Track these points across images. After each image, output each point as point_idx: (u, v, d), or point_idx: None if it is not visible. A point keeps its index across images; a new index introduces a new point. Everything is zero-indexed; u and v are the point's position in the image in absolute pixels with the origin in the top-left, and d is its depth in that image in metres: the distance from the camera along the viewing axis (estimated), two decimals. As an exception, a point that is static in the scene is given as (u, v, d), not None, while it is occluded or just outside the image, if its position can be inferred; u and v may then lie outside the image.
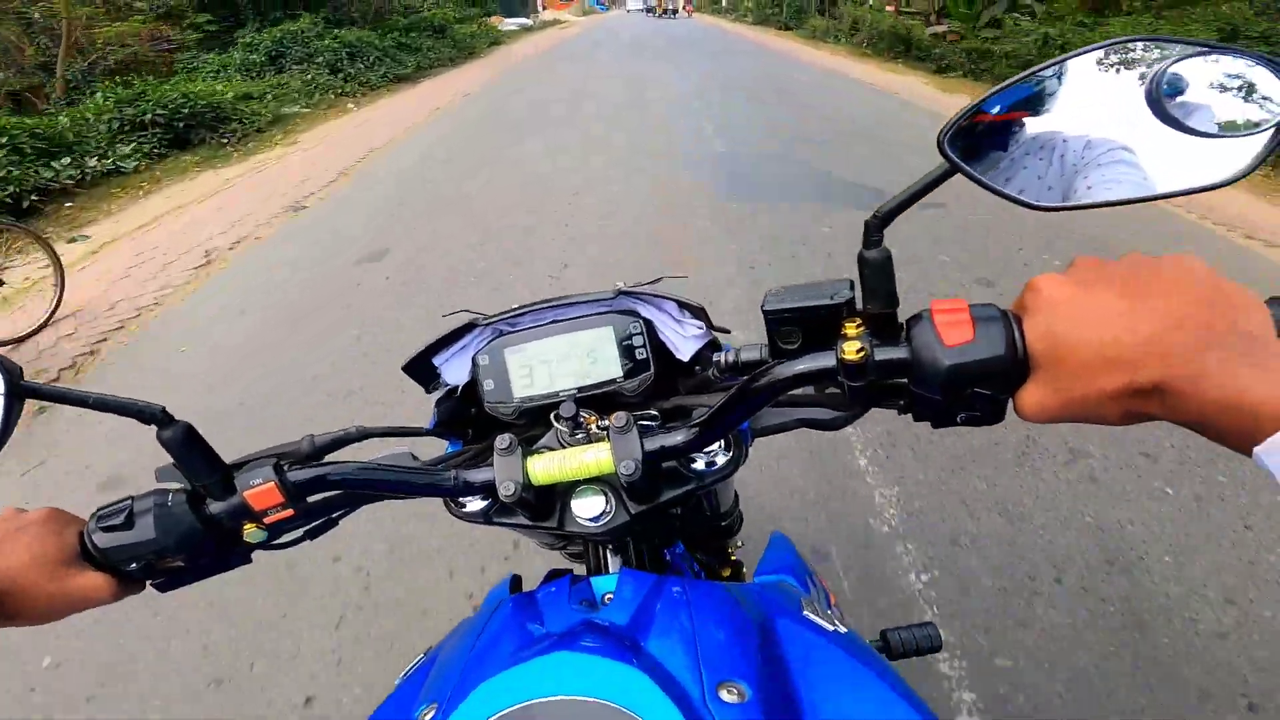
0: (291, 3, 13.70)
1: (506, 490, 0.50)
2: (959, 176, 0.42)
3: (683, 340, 0.63)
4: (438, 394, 0.68)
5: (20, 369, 0.44)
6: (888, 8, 14.74)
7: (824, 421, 0.54)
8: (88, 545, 0.48)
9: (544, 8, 42.49)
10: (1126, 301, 0.33)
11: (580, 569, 0.77)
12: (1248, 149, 0.39)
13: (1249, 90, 0.39)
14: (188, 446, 0.47)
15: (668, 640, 0.44)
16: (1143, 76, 0.40)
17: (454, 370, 0.67)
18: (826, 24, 17.33)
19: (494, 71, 13.73)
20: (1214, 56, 0.39)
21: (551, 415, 0.58)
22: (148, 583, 0.50)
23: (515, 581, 0.80)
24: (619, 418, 0.52)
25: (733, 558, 0.96)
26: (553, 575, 0.72)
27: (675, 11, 37.46)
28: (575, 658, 0.41)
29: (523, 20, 33.14)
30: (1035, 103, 0.42)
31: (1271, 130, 0.38)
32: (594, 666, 0.40)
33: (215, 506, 0.48)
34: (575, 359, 0.64)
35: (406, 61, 13.37)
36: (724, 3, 39.72)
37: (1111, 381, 0.33)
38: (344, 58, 11.75)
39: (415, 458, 0.59)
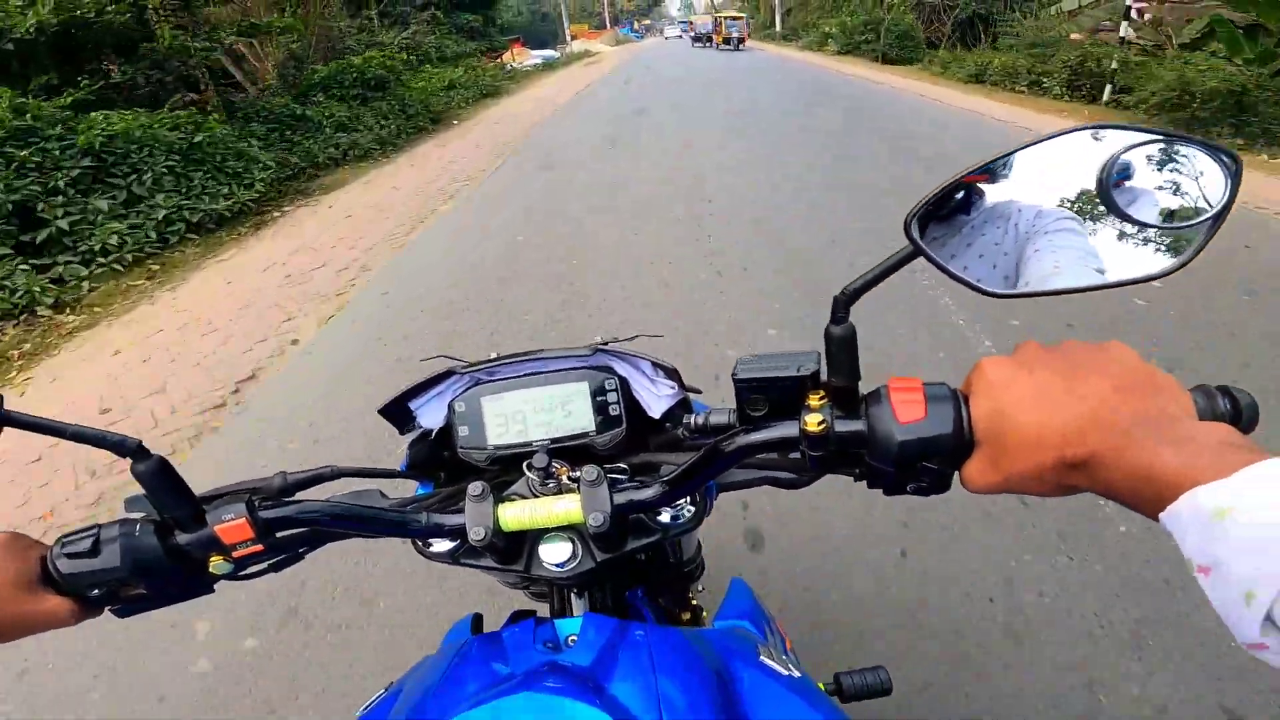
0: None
1: (477, 535, 0.53)
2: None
3: (655, 398, 0.66)
4: (411, 436, 0.71)
5: (0, 395, 0.45)
6: (1073, 36, 10.59)
7: (785, 481, 0.57)
8: (50, 570, 0.49)
9: (573, 38, 39.73)
10: (1062, 385, 0.37)
11: (542, 608, 0.79)
12: (1186, 238, 0.42)
13: (1194, 179, 0.41)
14: (161, 479, 0.49)
15: (629, 684, 0.46)
16: (1100, 164, 0.42)
17: (429, 414, 0.69)
18: (983, 59, 11.62)
19: (435, 171, 7.30)
20: (1167, 145, 0.41)
21: (524, 464, 0.60)
22: (107, 608, 0.51)
23: (477, 620, 0.82)
24: (590, 471, 0.55)
25: (693, 602, 0.98)
26: (517, 616, 0.74)
27: (741, 41, 27.48)
28: (540, 698, 0.43)
29: (548, 54, 29.73)
30: (998, 188, 0.44)
31: (1209, 221, 0.40)
32: (559, 707, 0.42)
33: (183, 538, 0.50)
34: (550, 411, 0.67)
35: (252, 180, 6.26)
36: (777, 28, 34.66)
37: (1046, 457, 0.36)
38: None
39: (384, 495, 0.62)
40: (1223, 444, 0.32)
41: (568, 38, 38.31)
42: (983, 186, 0.44)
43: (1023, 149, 0.42)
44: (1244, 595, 0.27)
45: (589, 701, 0.43)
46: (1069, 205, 0.43)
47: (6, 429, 0.45)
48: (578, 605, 0.61)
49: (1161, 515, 0.32)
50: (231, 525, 0.49)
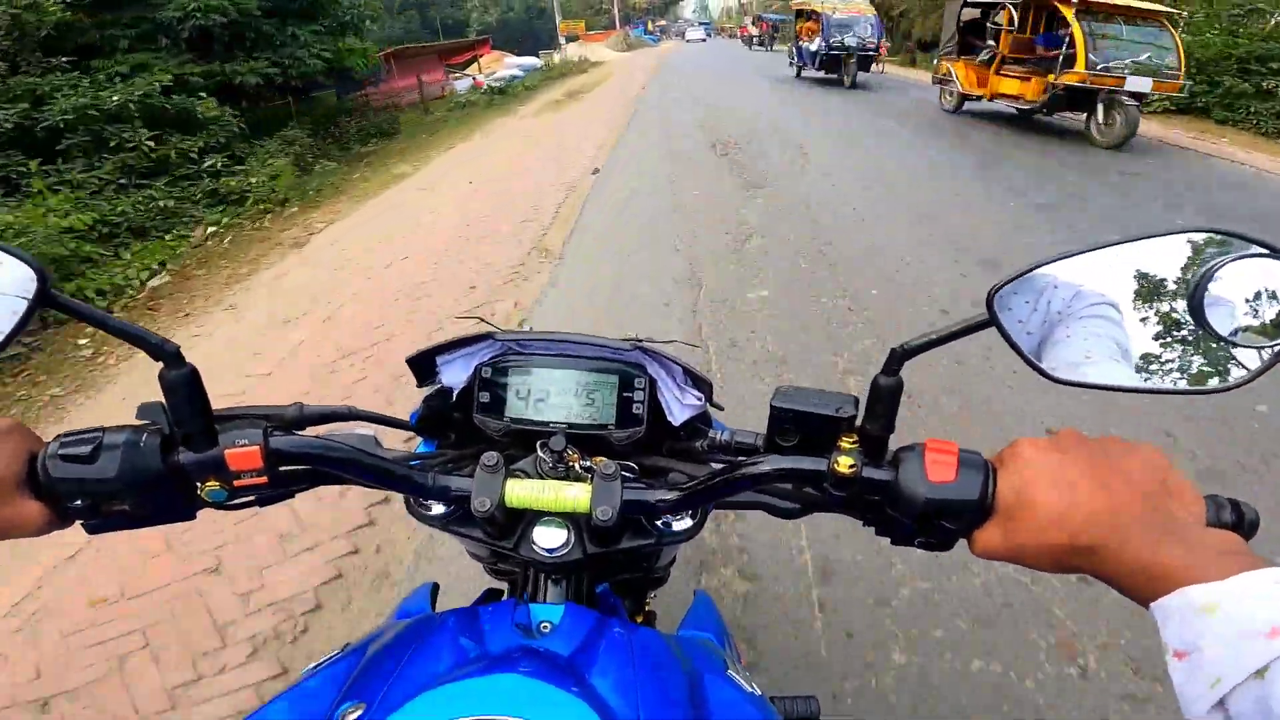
0: None
1: (481, 506, 0.54)
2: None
3: (679, 406, 0.69)
4: (428, 390, 0.71)
5: (51, 275, 0.45)
6: None
7: (781, 509, 0.60)
8: (36, 470, 0.46)
9: (567, 40, 31.78)
10: (1090, 477, 0.41)
11: (501, 585, 0.80)
12: (1249, 360, 0.42)
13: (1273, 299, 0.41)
14: (186, 390, 0.48)
15: (608, 679, 0.47)
16: (1196, 267, 0.42)
17: (452, 373, 0.70)
18: None
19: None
20: (1274, 261, 0.40)
21: (538, 443, 0.62)
22: (78, 521, 0.50)
23: (434, 590, 0.82)
24: (607, 465, 0.57)
25: (647, 607, 1.01)
26: (489, 596, 0.75)
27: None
28: (522, 680, 0.44)
29: (528, 62, 23.55)
30: (1087, 275, 0.45)
31: (1276, 349, 0.41)
32: (540, 692, 0.43)
33: (187, 457, 0.49)
34: (573, 396, 0.69)
35: None
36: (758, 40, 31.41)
37: (1058, 539, 0.41)
38: None
39: (379, 443, 0.63)
40: (1224, 551, 0.37)
41: (561, 40, 31.03)
42: (1072, 271, 0.45)
43: (1133, 240, 0.44)
44: (1211, 680, 0.32)
45: (569, 690, 0.43)
46: (1151, 302, 0.44)
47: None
48: (553, 593, 0.61)
49: (1152, 604, 0.37)
50: (242, 451, 0.48)
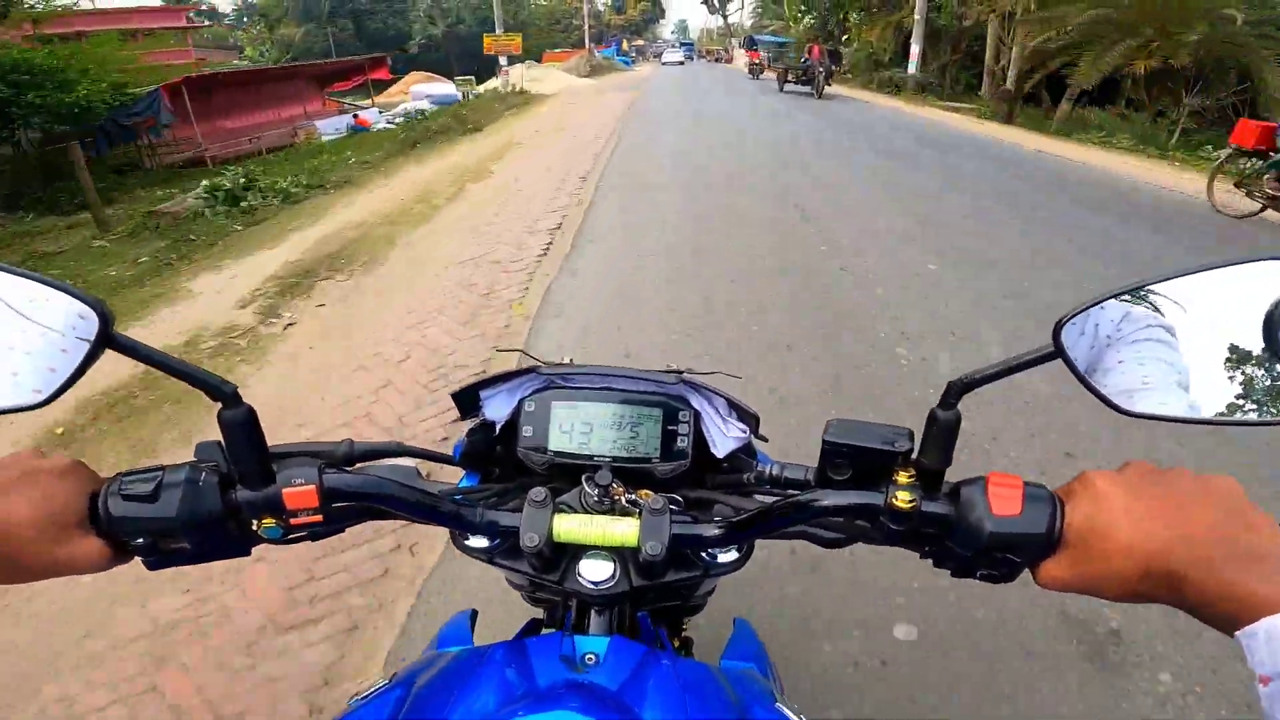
0: None
1: (530, 541, 0.55)
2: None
3: (723, 438, 0.70)
4: (471, 424, 0.73)
5: (113, 316, 0.45)
6: None
7: (826, 539, 0.61)
8: (97, 509, 0.48)
9: (506, 63, 20.82)
10: (1163, 507, 0.42)
11: (538, 612, 0.81)
12: None
13: None
14: (243, 430, 0.49)
15: (658, 713, 0.47)
16: (1270, 295, 0.41)
17: (496, 407, 0.72)
18: None
19: None
20: None
21: (584, 477, 0.64)
22: (139, 557, 0.51)
23: (473, 617, 0.83)
24: (655, 500, 0.59)
25: (684, 633, 1.01)
26: (531, 627, 0.76)
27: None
28: (574, 718, 0.44)
29: (443, 92, 17.70)
30: (1159, 305, 0.45)
31: None
32: None
33: (245, 495, 0.50)
34: (618, 429, 0.70)
35: None
36: (911, 69, 18.60)
37: (1130, 568, 0.42)
38: None
39: (420, 474, 0.64)
40: None
41: (502, 62, 20.58)
42: (1130, 312, 0.46)
43: (1205, 269, 0.44)
44: None
45: None
46: (1219, 332, 0.43)
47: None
48: (597, 623, 0.62)
49: (1238, 633, 0.37)
50: (299, 490, 0.50)
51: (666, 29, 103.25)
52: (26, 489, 0.45)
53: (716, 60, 52.78)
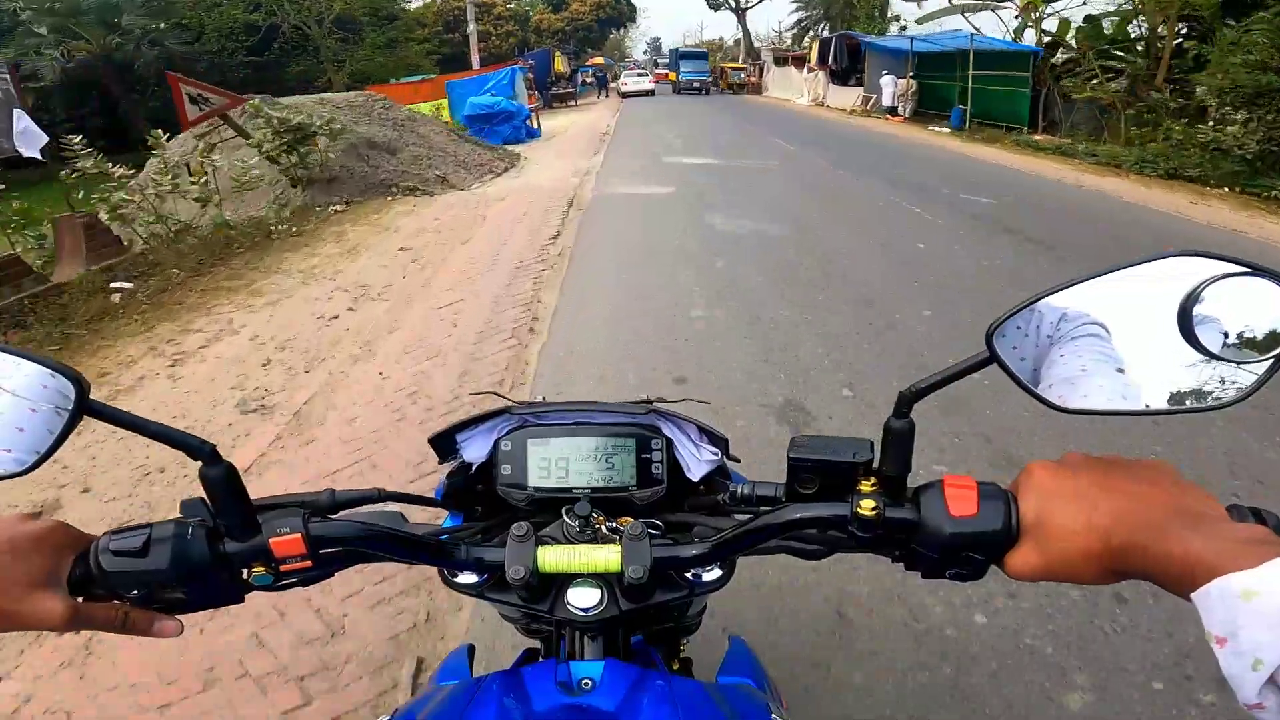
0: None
1: (516, 574, 0.57)
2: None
3: (696, 462, 0.73)
4: (450, 466, 0.75)
5: (89, 385, 0.48)
6: None
7: (807, 552, 0.64)
8: (91, 565, 0.50)
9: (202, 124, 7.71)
10: (1105, 484, 0.45)
11: (533, 643, 0.82)
12: (1243, 376, 0.44)
13: (1265, 315, 0.42)
14: (225, 486, 0.52)
15: None
16: (1180, 291, 0.43)
17: (474, 448, 0.74)
18: None
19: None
20: (1255, 279, 0.42)
21: (564, 509, 0.66)
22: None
23: (471, 651, 0.84)
24: (634, 526, 0.61)
25: (682, 654, 1.03)
26: (528, 656, 0.77)
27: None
28: None
29: None
30: (1081, 306, 0.48)
31: (1271, 360, 0.43)
32: None
33: (233, 546, 0.53)
34: (594, 461, 0.73)
35: None
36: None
37: (1091, 543, 0.44)
38: None
39: (404, 518, 0.66)
40: (1255, 540, 0.39)
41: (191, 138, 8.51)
42: (1066, 303, 0.48)
43: (1116, 270, 0.46)
44: (1253, 662, 0.34)
45: None
46: (1142, 327, 0.46)
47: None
48: (590, 649, 0.64)
49: (1193, 595, 0.38)
50: (286, 539, 0.53)
51: (638, 46, 77.33)
52: (9, 553, 0.47)
53: (736, 91, 32.63)
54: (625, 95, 29.56)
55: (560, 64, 28.03)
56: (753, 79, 32.64)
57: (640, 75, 32.95)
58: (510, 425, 0.74)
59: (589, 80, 33.52)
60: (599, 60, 42.50)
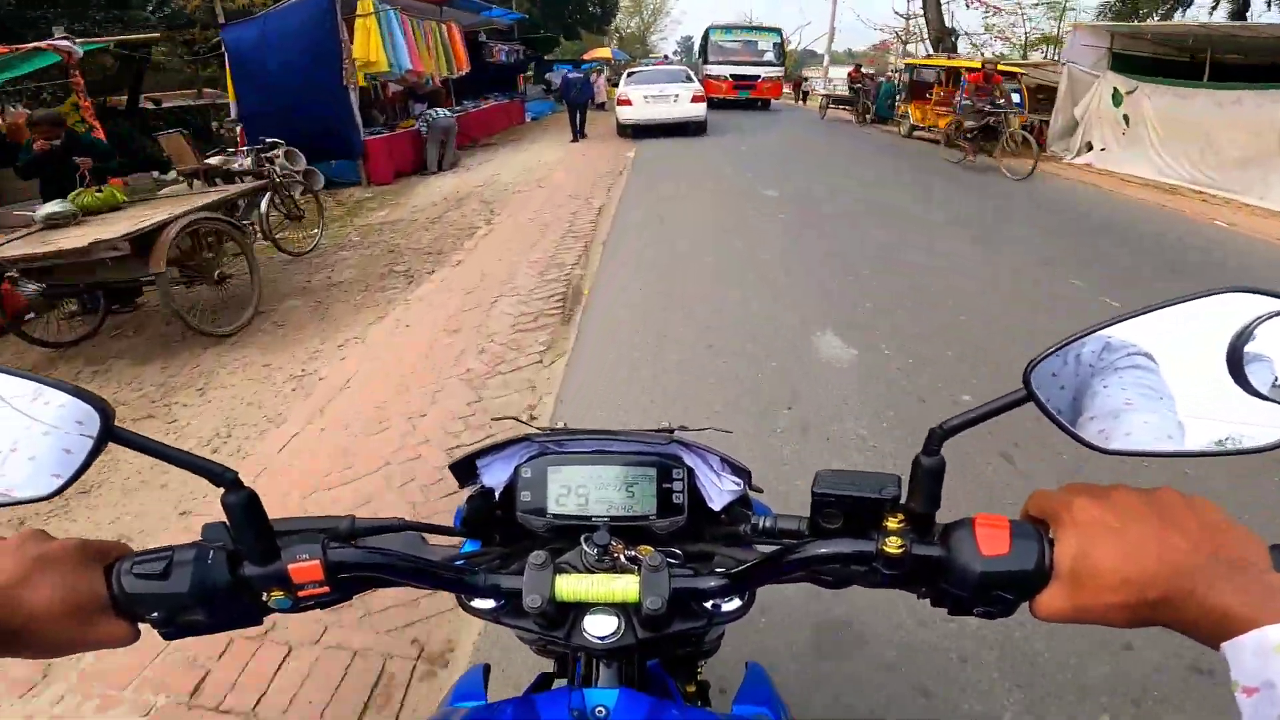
0: None
1: (533, 602, 0.58)
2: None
3: (718, 492, 0.73)
4: (469, 491, 0.76)
5: (114, 411, 0.49)
6: None
7: (828, 583, 0.63)
8: (111, 586, 0.51)
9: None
10: (1150, 535, 0.44)
11: (548, 665, 0.83)
12: None
13: None
14: (246, 512, 0.53)
15: None
16: (1231, 328, 0.42)
17: (493, 474, 0.75)
18: None
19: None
20: None
21: (582, 537, 0.66)
22: (155, 628, 0.54)
23: (486, 671, 0.85)
24: (654, 556, 0.61)
25: (699, 678, 1.03)
26: (543, 680, 0.78)
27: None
28: None
29: None
30: (1126, 342, 0.47)
31: None
32: None
33: (253, 571, 0.54)
34: (614, 490, 0.73)
35: None
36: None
37: (1124, 597, 0.43)
38: None
39: (424, 542, 0.67)
40: None
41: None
42: (1110, 341, 0.47)
43: (1164, 306, 0.45)
44: None
45: None
46: (1189, 365, 0.45)
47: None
48: (605, 675, 0.64)
49: (1224, 645, 0.38)
50: (305, 565, 0.53)
51: (669, 42, 55.83)
52: (46, 576, 0.47)
53: (879, 125, 15.55)
54: (628, 128, 14.05)
55: (426, 55, 11.05)
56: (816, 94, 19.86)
57: (659, 86, 14.18)
58: (530, 452, 0.74)
59: (555, 86, 18.81)
60: (604, 53, 27.52)
